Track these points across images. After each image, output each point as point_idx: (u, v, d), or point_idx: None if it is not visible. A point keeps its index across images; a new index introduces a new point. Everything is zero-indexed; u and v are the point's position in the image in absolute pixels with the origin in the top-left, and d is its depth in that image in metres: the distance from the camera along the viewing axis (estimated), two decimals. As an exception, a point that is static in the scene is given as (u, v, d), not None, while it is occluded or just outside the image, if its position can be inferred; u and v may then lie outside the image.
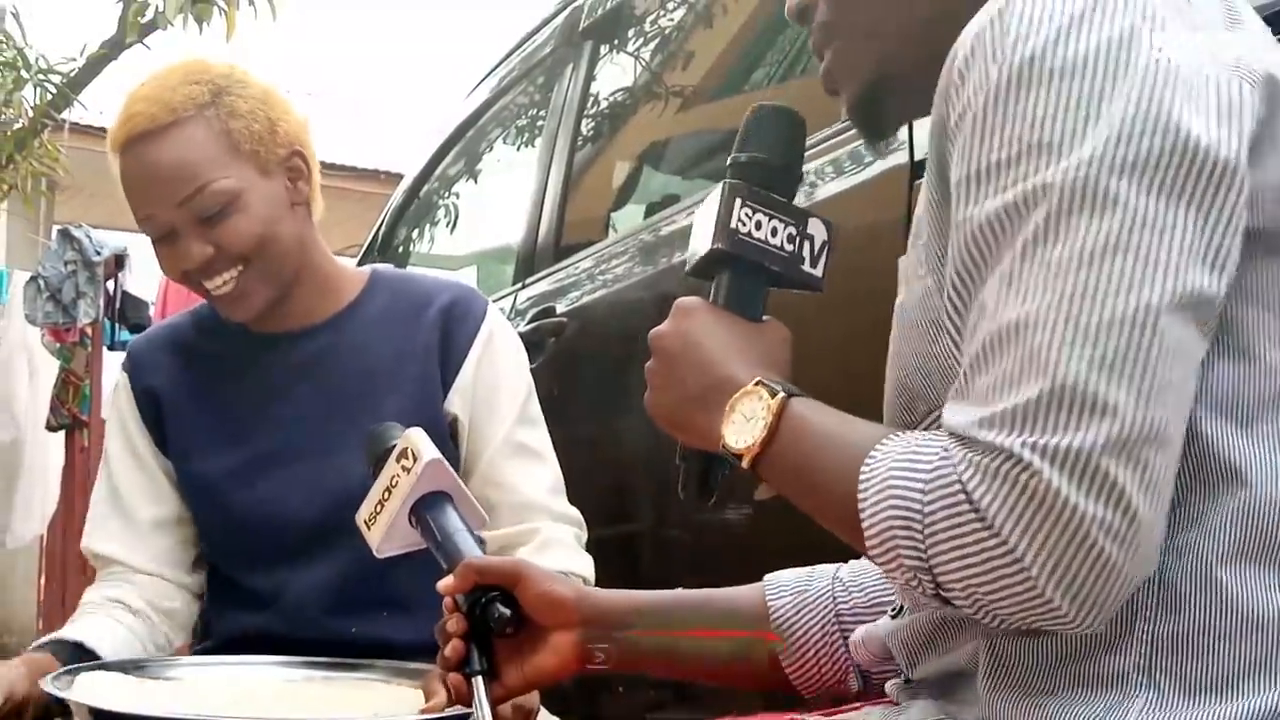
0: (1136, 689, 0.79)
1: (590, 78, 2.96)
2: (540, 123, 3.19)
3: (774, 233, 0.95)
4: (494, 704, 1.10)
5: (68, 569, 5.77)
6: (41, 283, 5.61)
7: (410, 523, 1.18)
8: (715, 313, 0.96)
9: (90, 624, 1.54)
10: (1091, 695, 0.80)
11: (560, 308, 2.63)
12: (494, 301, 1.94)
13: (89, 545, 1.63)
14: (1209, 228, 0.76)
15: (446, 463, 1.19)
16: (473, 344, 1.60)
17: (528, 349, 1.77)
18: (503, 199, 3.49)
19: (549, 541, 1.56)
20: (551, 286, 2.74)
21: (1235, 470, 0.79)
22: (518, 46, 3.47)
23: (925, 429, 0.89)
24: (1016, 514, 0.73)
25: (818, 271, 0.96)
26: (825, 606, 1.12)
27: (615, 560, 1.78)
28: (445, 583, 1.11)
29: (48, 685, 1.21)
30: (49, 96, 5.89)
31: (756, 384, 0.89)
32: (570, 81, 2.99)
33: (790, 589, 1.13)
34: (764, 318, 0.97)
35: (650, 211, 2.70)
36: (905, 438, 0.82)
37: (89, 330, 5.73)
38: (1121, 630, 0.79)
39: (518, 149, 3.48)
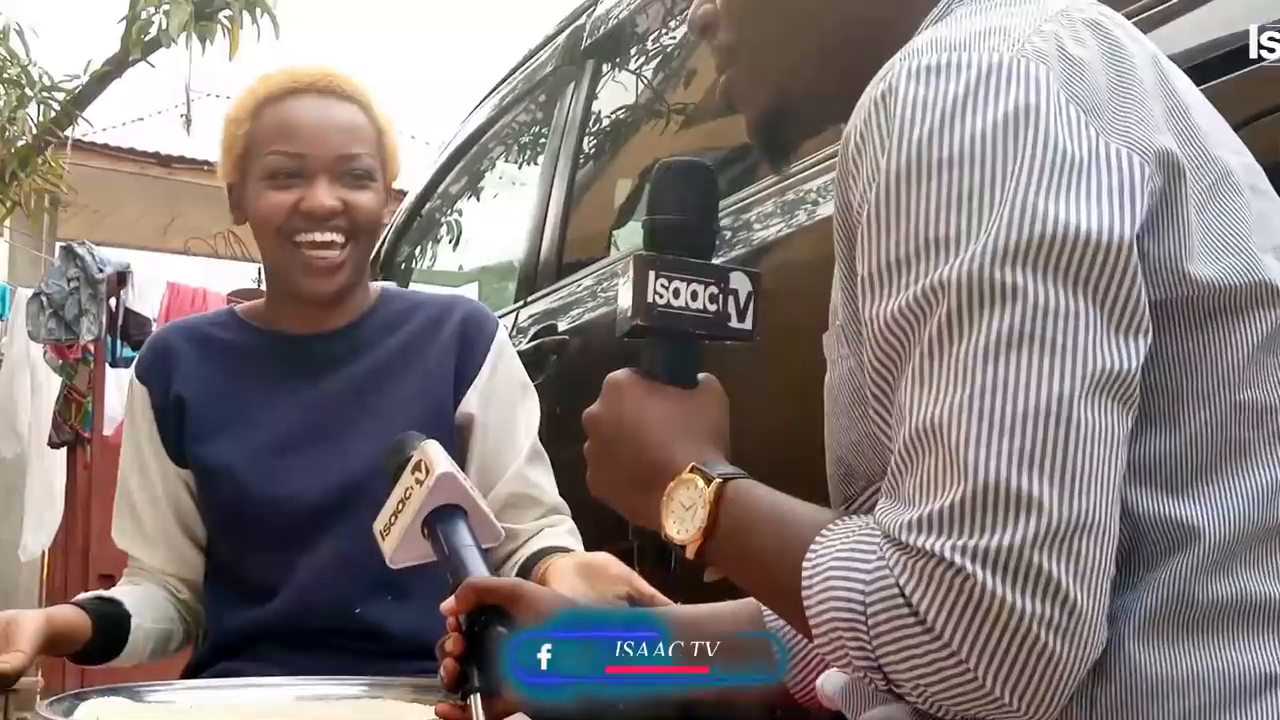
0: None
1: (592, 96, 2.97)
2: (542, 140, 3.20)
3: (694, 296, 0.93)
4: (496, 719, 1.10)
5: (69, 585, 5.76)
6: (44, 299, 5.62)
7: (423, 534, 1.19)
8: (646, 386, 0.94)
9: (119, 589, 1.66)
10: None
11: (562, 325, 2.63)
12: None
13: (114, 537, 1.73)
14: (1110, 306, 0.75)
15: (461, 476, 1.19)
16: (489, 350, 1.69)
17: (529, 367, 1.83)
18: (505, 216, 3.49)
19: (572, 530, 1.70)
20: (553, 304, 2.74)
21: (1172, 535, 0.78)
22: (520, 65, 3.48)
23: (865, 502, 0.89)
24: (955, 617, 0.72)
25: (746, 325, 0.95)
26: None
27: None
28: (447, 604, 1.12)
29: (45, 711, 1.22)
30: (53, 114, 5.92)
31: (691, 470, 0.87)
32: (572, 100, 3.00)
33: None
34: (699, 376, 0.96)
35: (652, 229, 2.70)
36: (845, 528, 0.80)
37: (91, 347, 5.74)
38: None
39: (520, 167, 3.49)
